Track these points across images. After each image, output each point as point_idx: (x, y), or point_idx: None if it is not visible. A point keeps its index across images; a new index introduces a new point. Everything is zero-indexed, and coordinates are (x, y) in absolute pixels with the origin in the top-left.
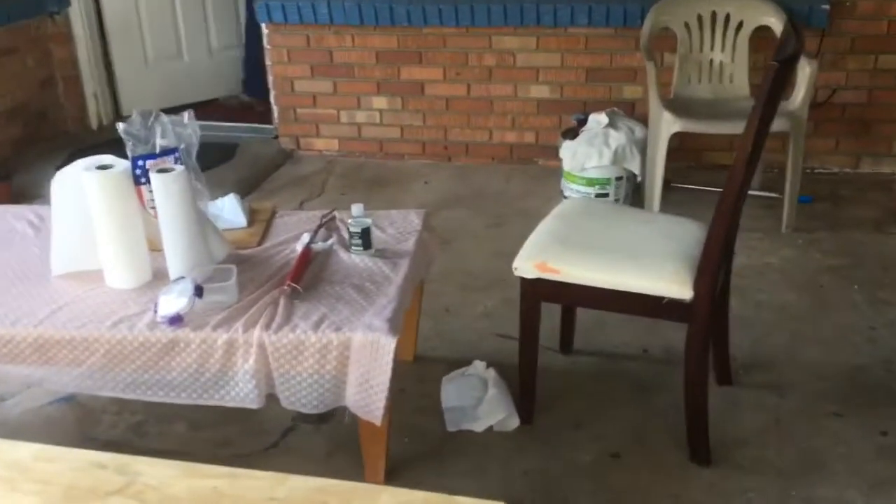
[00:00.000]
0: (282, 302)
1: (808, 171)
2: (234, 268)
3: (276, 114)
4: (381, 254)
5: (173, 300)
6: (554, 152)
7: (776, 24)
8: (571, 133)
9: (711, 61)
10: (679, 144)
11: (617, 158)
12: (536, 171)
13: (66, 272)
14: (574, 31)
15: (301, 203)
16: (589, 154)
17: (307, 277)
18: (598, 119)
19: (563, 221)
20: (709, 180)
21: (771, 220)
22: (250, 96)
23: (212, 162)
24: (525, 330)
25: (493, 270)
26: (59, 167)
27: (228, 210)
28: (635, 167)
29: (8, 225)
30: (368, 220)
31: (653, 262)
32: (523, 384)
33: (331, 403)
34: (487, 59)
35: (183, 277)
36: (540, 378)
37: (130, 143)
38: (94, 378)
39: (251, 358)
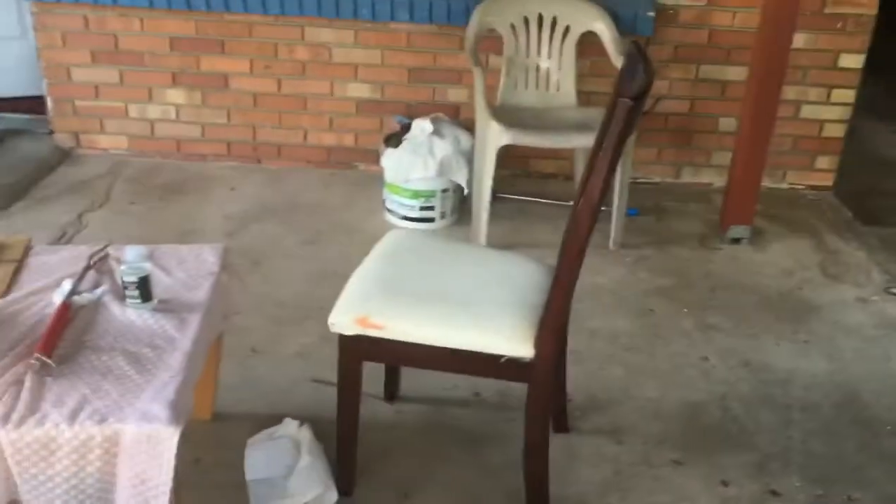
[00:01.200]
0: (27, 381)
1: (631, 181)
2: None
3: (49, 106)
4: (166, 306)
5: None
6: (375, 157)
7: (604, 30)
8: (394, 140)
9: (538, 67)
10: (504, 152)
11: (443, 169)
12: (356, 177)
13: None
14: (396, 26)
15: (80, 215)
16: (413, 164)
17: (65, 344)
18: (422, 126)
19: (386, 262)
20: (536, 190)
21: (597, 234)
22: None
23: None
24: (344, 392)
25: (309, 298)
26: None
27: None
28: (462, 179)
29: None
30: (147, 266)
31: (489, 314)
32: (342, 451)
33: None
34: (300, 52)
35: None
36: (362, 433)
37: None
38: None
39: None
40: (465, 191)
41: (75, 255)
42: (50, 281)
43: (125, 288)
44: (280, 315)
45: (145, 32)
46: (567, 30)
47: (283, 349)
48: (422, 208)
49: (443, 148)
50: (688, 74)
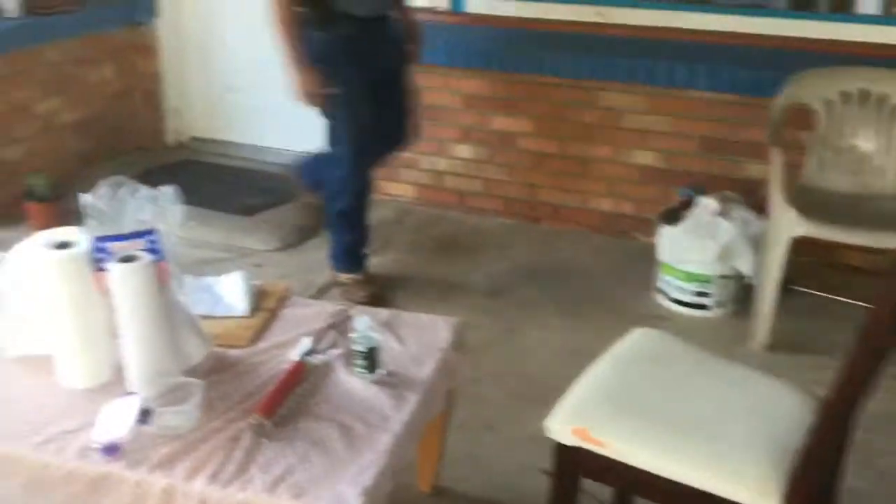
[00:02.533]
0: (244, 440)
1: None
2: (200, 384)
3: None
4: (390, 379)
5: (114, 422)
6: (654, 227)
7: None
8: (672, 216)
9: (855, 148)
10: (803, 237)
11: (724, 255)
12: (631, 247)
13: (19, 355)
14: (693, 94)
15: None
16: (692, 246)
17: (289, 404)
18: (707, 204)
19: (622, 368)
20: (839, 285)
21: None
22: None
23: (281, 197)
24: None
25: (557, 377)
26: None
27: (230, 292)
28: (745, 266)
29: None
30: (376, 338)
31: (730, 454)
32: None
33: None
34: (588, 115)
35: (133, 393)
36: None
37: (93, 221)
38: None
39: None
40: (747, 279)
41: (325, 311)
42: (293, 335)
43: (353, 356)
44: (522, 391)
45: (444, 89)
46: None
47: (518, 429)
48: (696, 293)
49: (727, 231)
50: None
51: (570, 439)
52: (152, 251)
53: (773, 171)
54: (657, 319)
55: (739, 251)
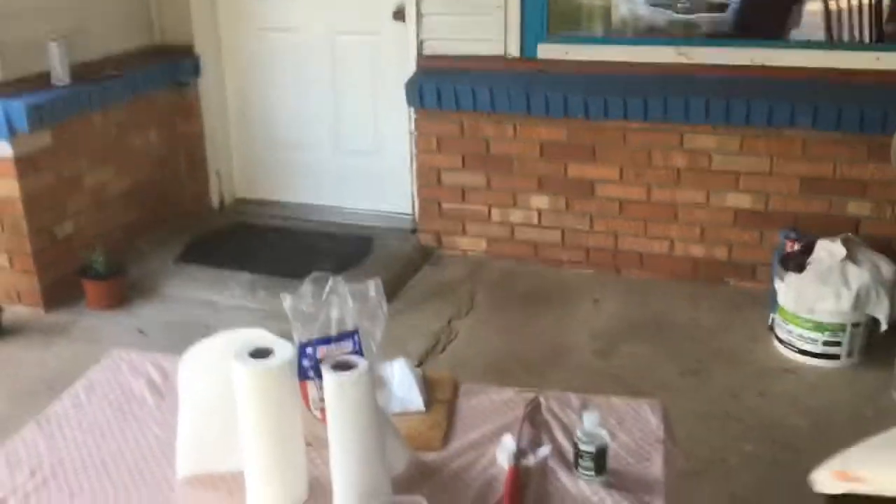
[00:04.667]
0: None
1: None
2: (422, 502)
3: (416, 206)
4: (618, 480)
5: None
6: (749, 272)
7: None
8: (795, 263)
9: None
10: None
11: (860, 302)
12: (728, 293)
13: (194, 474)
14: (790, 133)
15: (449, 321)
16: (822, 294)
17: None
18: (831, 249)
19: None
20: None
21: None
22: None
23: (348, 259)
24: None
25: (703, 442)
26: (177, 259)
27: (400, 383)
28: (882, 313)
29: (123, 386)
30: (605, 435)
31: None
32: None
33: None
34: (676, 159)
35: None
36: None
37: (298, 325)
38: None
39: None
40: (883, 327)
41: (504, 400)
42: (484, 432)
43: (579, 457)
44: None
45: (517, 139)
46: None
47: None
48: (825, 343)
49: (859, 276)
50: None
51: (834, 486)
52: (358, 353)
53: None
54: (785, 372)
55: (874, 297)
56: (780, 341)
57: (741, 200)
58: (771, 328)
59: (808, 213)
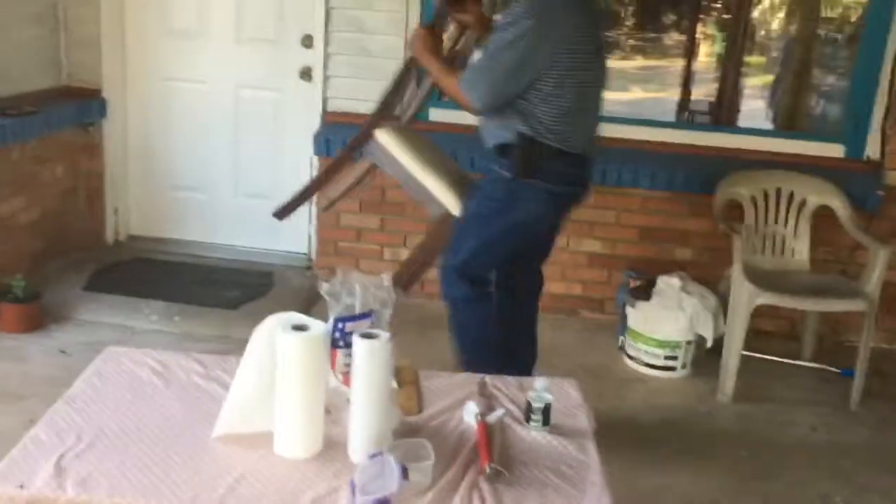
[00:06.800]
0: (484, 487)
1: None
2: (428, 444)
3: (313, 244)
4: (559, 430)
5: (374, 479)
6: (598, 305)
7: (838, 205)
8: (643, 294)
9: (775, 234)
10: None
11: (692, 324)
12: (582, 323)
13: (227, 434)
14: (631, 191)
15: None
16: (664, 317)
17: (497, 457)
18: (669, 282)
19: None
20: (759, 347)
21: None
22: None
23: (253, 290)
24: None
25: None
26: (85, 287)
27: None
28: (707, 332)
29: (130, 374)
30: (549, 396)
31: None
32: None
33: None
34: None
35: (380, 454)
36: None
37: (333, 303)
38: None
39: None
40: (709, 344)
41: (457, 381)
42: (449, 402)
43: (530, 412)
44: None
45: None
46: (804, 202)
47: None
48: (666, 357)
49: (691, 303)
50: None
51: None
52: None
53: (736, 253)
54: (636, 381)
55: (702, 319)
56: (630, 357)
57: (593, 246)
58: (621, 348)
59: (645, 257)
